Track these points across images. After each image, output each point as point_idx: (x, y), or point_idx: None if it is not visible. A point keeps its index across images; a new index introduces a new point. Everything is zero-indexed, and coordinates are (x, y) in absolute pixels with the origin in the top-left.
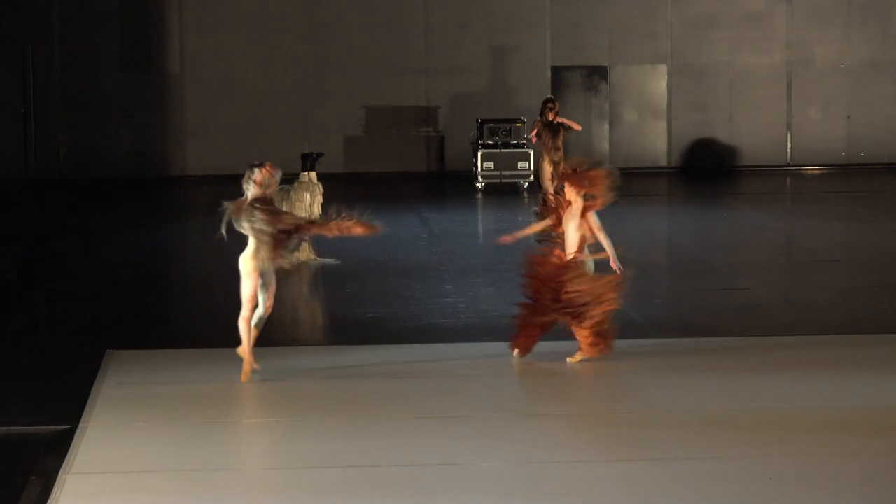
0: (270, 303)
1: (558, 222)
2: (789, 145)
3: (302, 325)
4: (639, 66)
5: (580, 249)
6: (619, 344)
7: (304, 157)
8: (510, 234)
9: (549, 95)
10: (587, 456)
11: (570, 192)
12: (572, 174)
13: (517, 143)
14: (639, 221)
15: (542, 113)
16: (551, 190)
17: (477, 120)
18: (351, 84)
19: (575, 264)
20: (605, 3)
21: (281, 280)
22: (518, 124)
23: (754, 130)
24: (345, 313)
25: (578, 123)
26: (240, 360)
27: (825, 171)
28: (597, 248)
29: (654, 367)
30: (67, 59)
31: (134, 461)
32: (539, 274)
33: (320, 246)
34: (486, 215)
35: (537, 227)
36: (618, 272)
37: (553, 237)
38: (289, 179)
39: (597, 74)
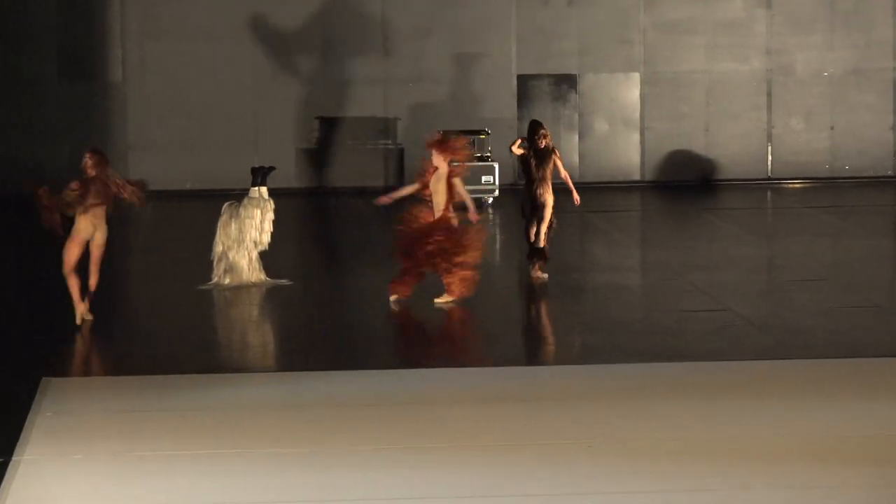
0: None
1: (425, 185)
2: (770, 158)
3: (252, 349)
4: (610, 74)
5: (447, 209)
6: (589, 369)
7: (255, 171)
8: (387, 195)
9: (535, 118)
10: (552, 489)
11: (438, 159)
12: (439, 143)
13: (481, 157)
14: (611, 239)
15: (533, 139)
16: (543, 228)
17: (438, 132)
18: (304, 94)
19: (443, 221)
20: (574, 9)
21: (230, 303)
22: (482, 136)
23: (732, 142)
24: (297, 337)
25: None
26: (187, 388)
27: (808, 185)
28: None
29: (625, 394)
30: (2, 66)
31: (71, 496)
32: (410, 231)
33: (271, 266)
34: None
35: (409, 189)
36: (476, 221)
37: (426, 200)
38: (238, 195)
39: (565, 83)
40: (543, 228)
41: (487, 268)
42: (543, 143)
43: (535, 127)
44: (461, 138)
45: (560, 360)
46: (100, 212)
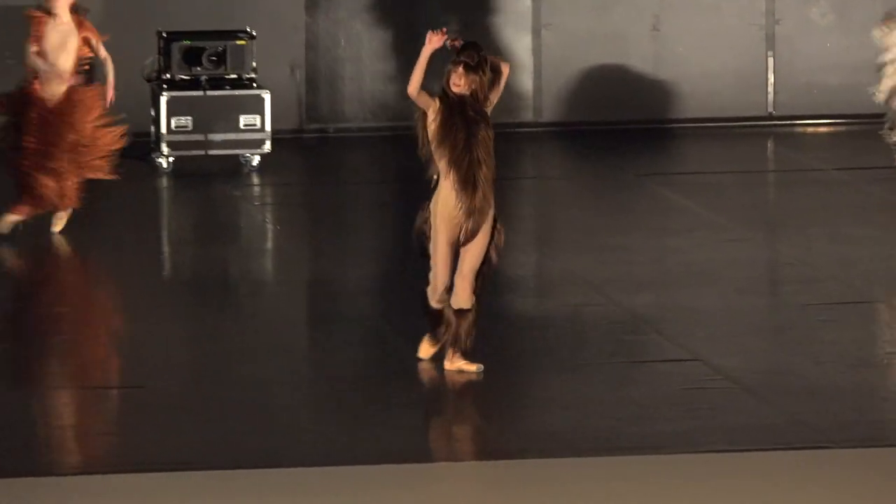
0: None
1: (37, 41)
2: (771, 79)
3: None
4: None
5: (75, 74)
6: (461, 469)
7: None
8: None
9: (469, 40)
10: None
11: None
12: None
13: (239, 80)
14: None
15: (449, 76)
16: (469, 274)
17: (159, 34)
18: None
19: (84, 95)
20: None
21: None
22: (240, 42)
23: (705, 54)
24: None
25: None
26: None
27: (838, 129)
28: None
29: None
30: None
31: None
32: (35, 114)
33: None
34: (181, 222)
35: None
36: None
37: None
38: None
39: None
40: (470, 269)
41: (272, 297)
42: (463, 83)
43: (469, 53)
44: None
45: (420, 455)
46: None
